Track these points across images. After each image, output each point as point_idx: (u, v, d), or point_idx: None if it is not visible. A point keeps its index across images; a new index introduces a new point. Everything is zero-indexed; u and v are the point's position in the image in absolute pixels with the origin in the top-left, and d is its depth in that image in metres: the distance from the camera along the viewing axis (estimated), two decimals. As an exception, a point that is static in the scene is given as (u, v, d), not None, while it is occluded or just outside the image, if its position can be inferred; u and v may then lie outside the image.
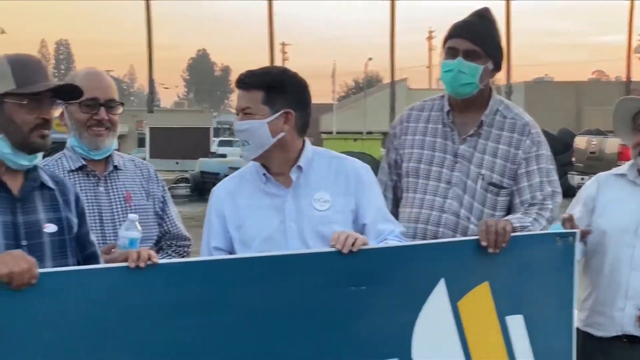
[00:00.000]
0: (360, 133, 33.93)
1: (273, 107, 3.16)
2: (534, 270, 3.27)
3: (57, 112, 2.87)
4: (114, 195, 3.54)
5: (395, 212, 3.79)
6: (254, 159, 3.24)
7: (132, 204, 3.58)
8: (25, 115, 2.75)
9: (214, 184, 3.53)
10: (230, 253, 3.22)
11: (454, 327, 3.07)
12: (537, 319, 3.24)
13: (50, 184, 2.90)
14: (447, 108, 3.72)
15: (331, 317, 2.88)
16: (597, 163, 19.46)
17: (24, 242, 2.75)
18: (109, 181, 3.55)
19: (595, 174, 3.91)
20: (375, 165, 3.77)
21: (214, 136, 44.68)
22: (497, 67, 3.67)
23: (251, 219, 3.22)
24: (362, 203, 3.26)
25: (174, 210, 3.78)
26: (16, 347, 2.47)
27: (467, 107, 3.69)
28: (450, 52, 3.62)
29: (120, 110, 3.56)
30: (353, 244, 2.90)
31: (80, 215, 2.99)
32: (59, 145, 3.52)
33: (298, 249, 3.12)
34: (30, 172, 2.84)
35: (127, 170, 3.64)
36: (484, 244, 3.12)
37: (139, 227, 2.90)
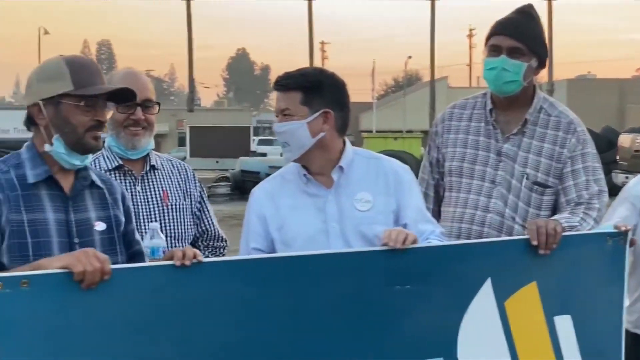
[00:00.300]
0: (400, 132, 33.80)
1: (312, 107, 3.15)
2: (583, 270, 3.22)
3: (109, 114, 2.90)
4: (151, 194, 3.56)
5: (437, 211, 3.76)
6: (295, 160, 3.23)
7: (169, 203, 3.60)
8: (81, 117, 2.78)
9: (255, 183, 3.53)
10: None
11: (500, 327, 3.04)
12: (586, 320, 3.20)
13: (99, 183, 2.94)
14: (489, 106, 3.67)
15: (376, 316, 2.86)
16: (642, 162, 19.19)
17: (76, 240, 2.79)
18: (146, 181, 3.57)
19: (640, 172, 3.82)
20: (416, 164, 3.75)
21: (254, 135, 44.83)
22: (541, 64, 3.62)
23: (292, 220, 3.20)
24: (402, 203, 3.24)
25: (211, 210, 3.80)
26: (74, 340, 2.49)
27: (510, 105, 3.64)
28: (493, 50, 3.57)
29: (156, 110, 3.58)
30: (404, 241, 2.88)
31: (126, 213, 3.02)
32: None
33: (340, 248, 3.11)
34: (81, 171, 2.87)
35: (164, 170, 3.67)
36: (534, 243, 3.08)
37: (162, 235, 2.97)
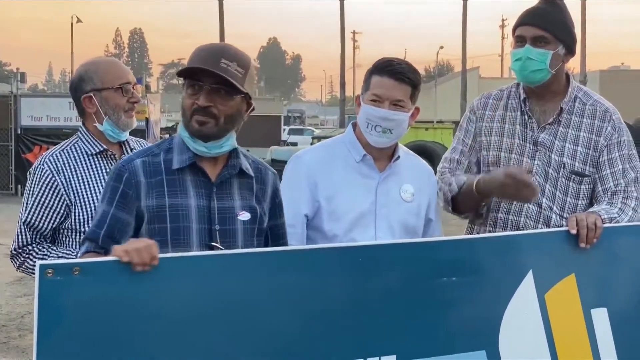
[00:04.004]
0: (431, 122, 33.61)
1: (413, 102, 3.34)
2: (620, 263, 3.21)
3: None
4: None
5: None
6: (387, 147, 3.34)
7: None
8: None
9: (285, 173, 3.51)
10: (310, 221, 3.27)
11: (540, 320, 3.02)
12: (621, 313, 3.18)
13: (250, 172, 2.93)
14: (523, 96, 3.64)
15: (421, 308, 2.82)
16: (675, 153, 18.97)
17: (216, 227, 2.79)
18: None
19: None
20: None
21: (284, 124, 44.84)
22: (570, 52, 3.57)
23: (343, 194, 3.28)
24: (432, 201, 3.48)
25: None
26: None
27: (544, 95, 3.61)
28: (519, 41, 3.55)
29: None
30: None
31: (278, 207, 3.01)
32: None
33: (384, 231, 3.26)
34: (232, 159, 2.89)
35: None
36: (573, 232, 3.11)
37: None
